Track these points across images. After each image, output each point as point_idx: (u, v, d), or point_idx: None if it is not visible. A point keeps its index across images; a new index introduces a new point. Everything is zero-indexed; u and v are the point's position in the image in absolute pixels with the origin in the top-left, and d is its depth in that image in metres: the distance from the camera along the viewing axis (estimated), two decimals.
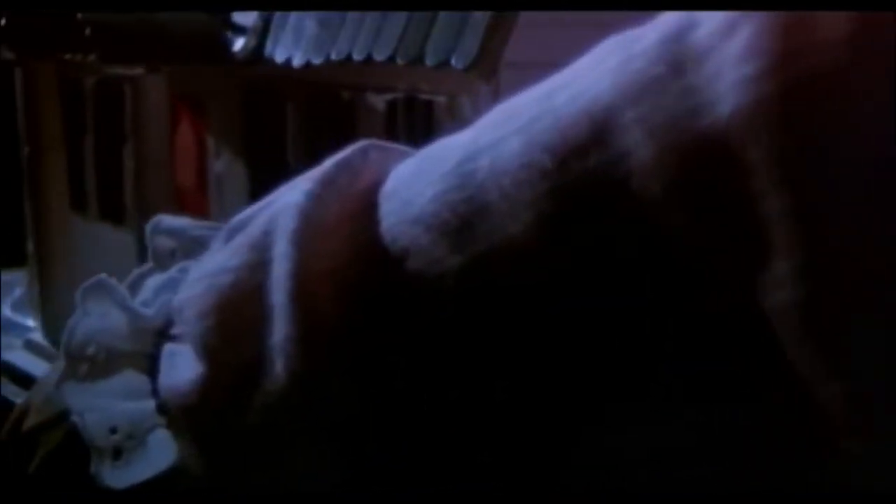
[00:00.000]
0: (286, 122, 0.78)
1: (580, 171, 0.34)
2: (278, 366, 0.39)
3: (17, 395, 0.92)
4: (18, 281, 1.34)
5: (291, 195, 0.41)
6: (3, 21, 0.84)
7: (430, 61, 0.63)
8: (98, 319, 0.48)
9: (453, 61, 0.61)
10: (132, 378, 0.45)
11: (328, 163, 0.43)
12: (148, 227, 0.51)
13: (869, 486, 0.31)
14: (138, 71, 0.74)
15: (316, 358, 0.38)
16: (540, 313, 0.36)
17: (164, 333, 0.45)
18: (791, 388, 0.29)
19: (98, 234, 1.03)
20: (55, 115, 0.90)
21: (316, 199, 0.41)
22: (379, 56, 0.66)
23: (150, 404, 0.45)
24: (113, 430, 0.45)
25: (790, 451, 0.31)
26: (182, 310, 0.43)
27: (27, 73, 0.87)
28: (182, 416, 0.42)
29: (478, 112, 0.64)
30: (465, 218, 0.36)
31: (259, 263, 0.41)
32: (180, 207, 0.94)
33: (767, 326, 0.29)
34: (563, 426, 0.35)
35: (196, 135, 0.88)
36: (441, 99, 0.65)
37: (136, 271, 0.51)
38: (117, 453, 0.45)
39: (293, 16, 0.75)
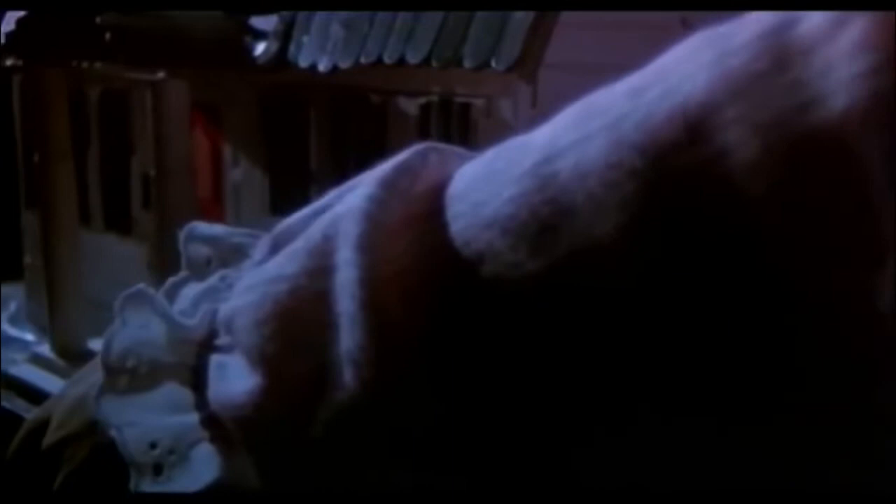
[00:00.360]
0: (309, 128, 0.76)
1: (674, 170, 0.32)
2: (347, 375, 0.37)
3: (26, 410, 0.90)
4: (13, 295, 1.32)
5: (351, 199, 0.40)
6: (12, 27, 0.82)
7: (468, 63, 0.62)
8: (137, 330, 0.47)
9: (494, 63, 0.60)
10: (175, 391, 0.43)
11: (387, 166, 0.42)
12: (182, 235, 0.49)
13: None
14: (159, 76, 0.72)
15: (388, 366, 0.37)
16: (624, 318, 0.34)
17: (207, 344, 0.43)
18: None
19: (103, 245, 1.01)
20: (64, 124, 0.88)
21: (379, 202, 0.39)
22: (413, 59, 0.65)
23: (194, 418, 0.43)
24: (153, 445, 0.43)
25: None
26: (233, 319, 0.41)
27: (35, 81, 0.85)
28: (237, 428, 0.41)
29: (517, 114, 0.63)
30: (546, 220, 0.35)
31: (320, 270, 0.39)
32: (197, 216, 0.92)
33: (854, 335, 0.28)
34: (645, 432, 0.34)
35: (211, 143, 0.86)
36: (479, 101, 0.64)
37: (170, 280, 0.50)
38: (158, 469, 0.43)
39: (317, 19, 0.73)
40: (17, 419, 0.86)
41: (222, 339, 0.42)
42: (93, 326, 0.97)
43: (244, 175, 0.82)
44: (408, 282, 0.36)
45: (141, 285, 0.47)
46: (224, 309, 0.42)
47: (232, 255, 0.46)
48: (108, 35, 0.70)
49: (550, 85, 0.62)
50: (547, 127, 0.37)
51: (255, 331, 0.40)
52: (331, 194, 0.43)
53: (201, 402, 0.43)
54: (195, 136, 0.88)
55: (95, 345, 0.94)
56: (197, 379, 0.43)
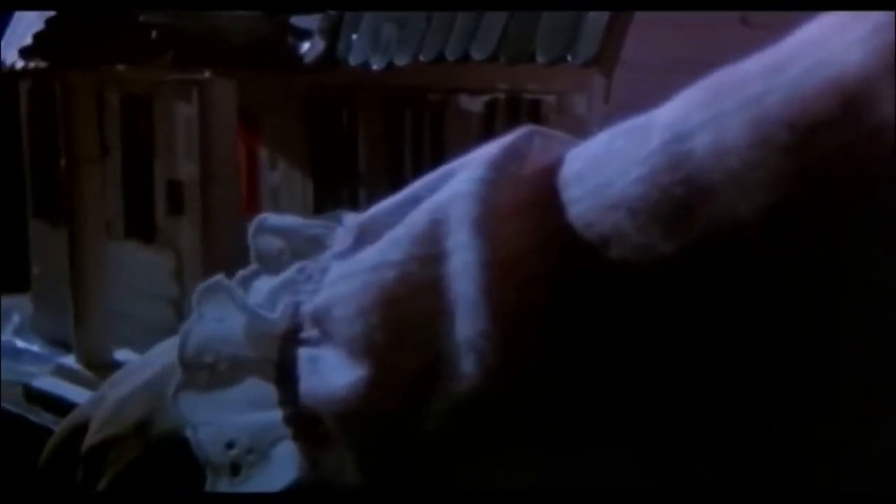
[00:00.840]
0: (358, 128, 0.75)
1: (829, 146, 0.31)
2: (467, 364, 0.36)
3: (55, 423, 0.86)
4: (15, 307, 1.28)
5: (457, 184, 0.38)
6: (42, 27, 0.79)
7: (541, 58, 0.60)
8: (213, 324, 0.44)
9: (570, 58, 0.59)
10: (257, 387, 0.41)
11: (493, 148, 0.40)
12: (251, 227, 0.47)
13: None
14: (205, 75, 0.70)
15: (512, 353, 0.35)
16: (763, 302, 0.33)
17: (291, 338, 0.41)
18: None
19: (122, 253, 0.98)
20: (93, 127, 0.85)
21: (490, 185, 0.37)
22: (478, 55, 0.63)
23: (276, 415, 0.41)
24: (230, 445, 0.41)
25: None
26: (329, 310, 0.39)
27: (64, 84, 0.83)
28: (338, 423, 0.39)
29: (591, 110, 0.61)
30: (680, 200, 0.33)
31: (430, 255, 0.37)
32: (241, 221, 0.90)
33: None
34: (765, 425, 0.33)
35: (247, 147, 0.84)
36: (550, 97, 0.62)
37: (240, 273, 0.48)
38: (235, 469, 0.41)
39: (367, 17, 0.72)
40: (47, 433, 0.83)
41: (309, 332, 0.40)
42: (116, 337, 0.94)
43: (283, 178, 0.80)
44: (523, 266, 0.35)
45: (218, 277, 0.45)
46: (313, 300, 0.40)
47: (307, 247, 0.44)
48: (141, 36, 0.68)
49: (625, 80, 0.61)
50: (668, 108, 0.36)
51: (359, 321, 0.38)
52: (418, 183, 0.41)
53: (286, 399, 0.41)
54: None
55: (121, 355, 0.91)
56: (281, 374, 0.41)
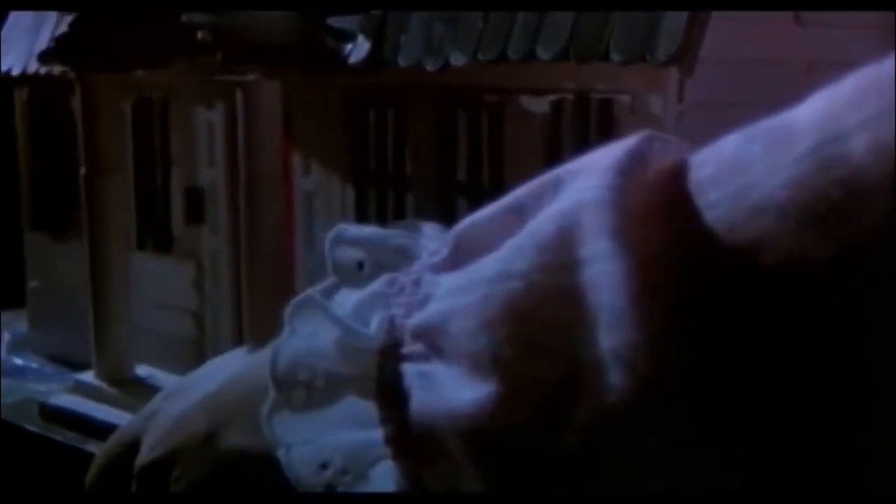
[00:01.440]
0: (407, 130, 0.73)
1: None
2: (615, 375, 0.34)
3: (81, 442, 0.83)
4: (8, 323, 1.23)
5: (581, 191, 0.37)
6: (65, 30, 0.76)
7: (616, 57, 0.59)
8: (305, 340, 0.42)
9: (649, 56, 0.58)
10: (355, 405, 0.39)
11: (615, 153, 0.39)
12: (329, 239, 0.45)
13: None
14: (250, 77, 0.67)
15: (663, 361, 0.34)
16: None
17: (391, 353, 0.39)
18: None
19: (136, 264, 0.94)
20: (116, 135, 0.82)
21: (621, 191, 0.36)
22: (545, 54, 0.62)
23: (377, 434, 0.39)
24: (324, 466, 0.39)
25: None
26: (441, 324, 0.37)
27: (87, 90, 0.79)
28: (464, 440, 0.37)
29: (667, 109, 0.60)
30: (836, 203, 0.32)
31: (561, 265, 0.36)
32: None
33: None
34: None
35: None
36: (623, 97, 0.61)
37: (319, 287, 0.46)
38: (330, 490, 0.39)
39: (416, 17, 0.70)
40: (73, 452, 0.80)
41: (413, 347, 0.38)
42: (135, 352, 0.90)
43: (318, 183, 0.78)
44: (665, 272, 0.33)
45: (310, 291, 0.43)
46: (414, 314, 0.38)
47: (393, 258, 0.42)
48: (185, 36, 0.66)
49: (701, 79, 0.60)
50: (809, 110, 0.34)
51: (483, 334, 0.36)
52: (519, 192, 0.39)
53: (388, 416, 0.39)
54: None
55: (142, 371, 0.88)
56: (383, 391, 0.39)
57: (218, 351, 0.89)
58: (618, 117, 0.62)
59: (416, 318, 0.40)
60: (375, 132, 0.74)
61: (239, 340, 0.89)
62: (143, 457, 0.49)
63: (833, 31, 0.75)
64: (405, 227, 0.48)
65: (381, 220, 0.75)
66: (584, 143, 0.63)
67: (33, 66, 1.00)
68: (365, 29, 0.72)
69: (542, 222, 0.37)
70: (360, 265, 0.46)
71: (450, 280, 0.39)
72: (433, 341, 0.38)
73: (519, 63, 0.63)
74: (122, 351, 0.84)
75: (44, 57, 0.77)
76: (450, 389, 0.37)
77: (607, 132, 0.62)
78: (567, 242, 0.35)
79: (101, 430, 0.78)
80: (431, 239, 0.45)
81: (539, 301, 0.35)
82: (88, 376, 0.85)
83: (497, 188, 0.68)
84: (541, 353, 0.35)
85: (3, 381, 0.99)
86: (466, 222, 0.43)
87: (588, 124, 0.63)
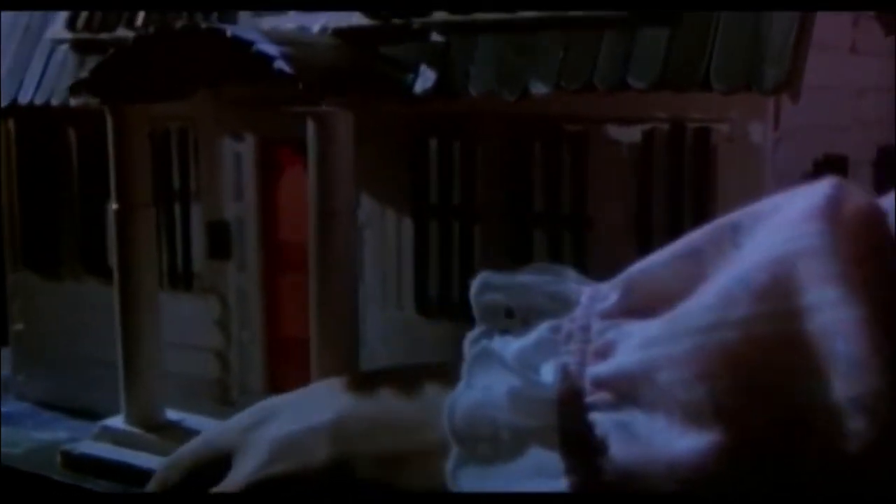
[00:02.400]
0: (475, 161, 0.71)
1: None
2: (855, 422, 0.34)
3: (122, 489, 0.77)
4: None
5: (792, 240, 0.37)
6: (104, 59, 0.73)
7: (718, 86, 0.59)
8: (480, 392, 0.42)
9: (754, 84, 0.58)
10: (541, 456, 0.39)
11: (812, 200, 0.39)
12: (475, 286, 0.45)
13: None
14: (324, 107, 0.65)
15: None
16: None
17: (571, 403, 0.39)
18: None
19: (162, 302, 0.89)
20: (147, 169, 0.78)
21: (833, 237, 0.37)
22: (638, 83, 0.61)
23: (562, 484, 0.39)
24: None
25: None
26: (649, 373, 0.37)
27: (118, 122, 0.75)
28: (685, 487, 0.37)
29: (768, 137, 0.60)
30: None
31: (783, 313, 0.36)
32: (291, 262, 0.83)
33: None
34: None
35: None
36: (722, 126, 0.61)
37: (470, 335, 0.45)
38: None
39: (484, 45, 0.69)
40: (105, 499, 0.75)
41: (598, 397, 0.38)
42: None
43: (369, 215, 0.76)
44: (892, 317, 0.34)
45: (485, 344, 0.42)
46: (607, 364, 0.38)
47: (547, 304, 0.41)
48: (260, 67, 0.63)
49: (795, 107, 0.60)
50: None
51: (701, 384, 0.36)
52: (694, 237, 0.39)
53: (573, 466, 0.38)
54: (287, 178, 0.81)
55: (174, 415, 0.83)
56: (568, 441, 0.38)
57: (247, 392, 0.85)
58: (715, 146, 0.61)
59: (601, 367, 0.39)
60: (438, 163, 0.72)
61: (271, 380, 0.85)
62: (254, 473, 0.48)
63: (878, 60, 0.77)
64: (541, 270, 0.47)
65: (444, 253, 0.73)
66: (679, 173, 0.63)
67: (25, 97, 0.96)
68: (429, 59, 0.70)
69: (753, 271, 0.37)
70: (508, 311, 0.45)
71: (642, 329, 0.38)
72: (627, 390, 0.37)
73: (606, 92, 0.63)
74: (154, 394, 0.80)
75: (76, 89, 0.73)
76: (659, 438, 0.36)
77: (705, 162, 0.62)
78: (785, 290, 0.35)
79: (138, 477, 0.73)
80: (578, 283, 0.44)
81: (761, 349, 0.34)
82: (116, 422, 0.80)
83: (580, 219, 0.67)
84: (765, 400, 0.34)
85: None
86: (637, 269, 0.42)
87: (683, 154, 0.62)
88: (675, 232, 0.65)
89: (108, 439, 0.79)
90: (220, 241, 0.85)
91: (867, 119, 0.77)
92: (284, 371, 0.85)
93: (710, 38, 0.60)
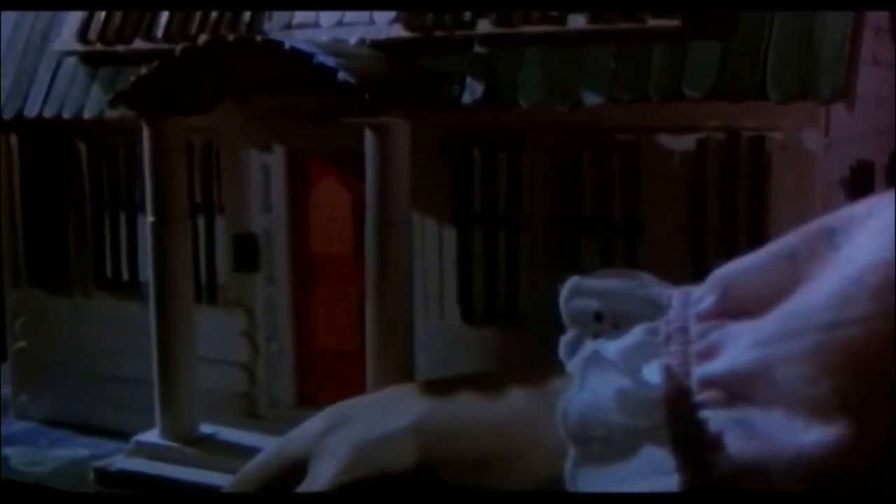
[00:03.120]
0: (521, 170, 0.73)
1: None
2: None
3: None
4: None
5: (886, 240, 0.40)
6: (148, 72, 0.73)
7: (774, 95, 0.61)
8: (590, 394, 0.43)
9: (811, 93, 0.61)
10: (653, 454, 0.40)
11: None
12: (565, 290, 0.46)
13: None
14: (382, 119, 0.66)
15: None
16: None
17: (680, 402, 0.41)
18: None
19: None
20: (183, 181, 0.78)
21: None
22: (692, 93, 0.64)
23: (673, 480, 0.41)
24: None
25: None
26: (766, 371, 0.39)
27: (155, 135, 0.75)
28: (803, 482, 0.39)
29: (821, 144, 0.63)
30: None
31: None
32: (325, 273, 0.84)
33: None
34: None
35: (350, 192, 0.80)
36: (776, 134, 0.63)
37: (564, 339, 0.47)
38: None
39: (530, 57, 0.71)
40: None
41: (707, 395, 0.40)
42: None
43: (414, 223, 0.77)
44: None
45: (594, 347, 0.44)
46: (715, 363, 0.40)
47: (638, 308, 0.43)
48: (347, 77, 0.64)
49: (842, 118, 0.63)
50: None
51: (825, 380, 0.38)
52: (789, 239, 0.42)
53: (686, 464, 0.40)
54: (331, 186, 0.81)
55: (207, 428, 0.83)
56: (679, 439, 0.40)
57: (276, 405, 0.85)
58: (769, 153, 0.64)
59: (708, 368, 0.40)
60: (483, 172, 0.74)
61: (301, 392, 0.86)
62: (334, 478, 0.49)
63: (889, 70, 0.81)
64: (623, 275, 0.49)
65: (489, 261, 0.74)
66: (733, 180, 0.65)
67: (32, 110, 0.94)
68: (473, 70, 0.72)
69: (865, 272, 0.39)
70: (597, 315, 0.47)
71: (753, 330, 0.40)
72: (740, 389, 0.39)
73: (659, 102, 0.65)
74: (189, 408, 0.80)
75: (116, 101, 0.73)
76: (781, 434, 0.38)
77: (759, 169, 0.64)
78: None
79: (178, 490, 0.73)
80: (661, 287, 0.46)
81: (883, 345, 0.36)
82: (151, 437, 0.80)
83: (632, 226, 0.69)
84: (888, 395, 0.36)
85: (10, 449, 0.91)
86: (731, 271, 0.44)
87: (737, 161, 0.65)
88: (728, 237, 0.67)
89: (144, 454, 0.79)
90: (248, 253, 0.85)
91: (882, 126, 0.80)
92: (316, 383, 0.85)
93: (764, 48, 0.62)
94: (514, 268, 0.71)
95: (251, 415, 0.85)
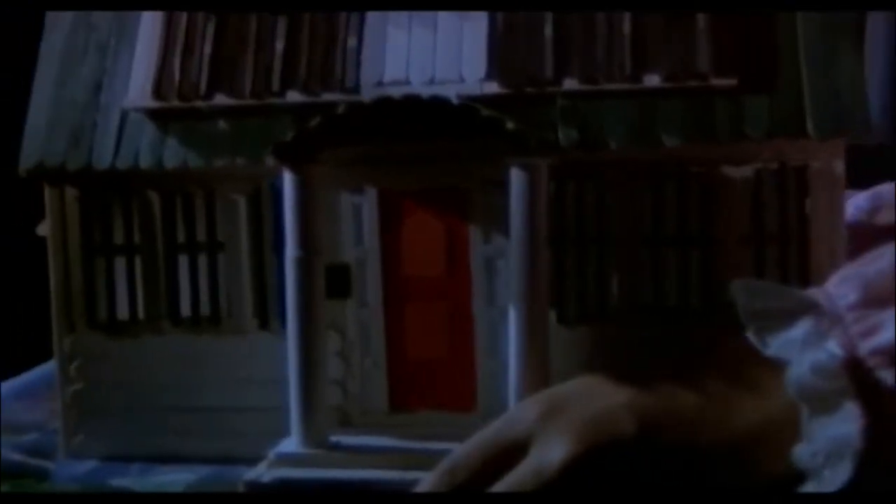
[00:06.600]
0: (607, 197, 0.96)
1: None
2: None
3: None
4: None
5: None
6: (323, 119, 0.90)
7: (815, 135, 0.89)
8: (797, 367, 0.67)
9: (843, 133, 0.88)
10: (847, 408, 0.65)
11: None
12: (740, 294, 0.71)
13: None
14: (532, 159, 0.87)
15: None
16: None
17: (855, 368, 0.65)
18: None
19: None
20: (323, 221, 0.96)
21: None
22: (755, 133, 0.90)
23: (854, 427, 0.65)
24: (815, 454, 0.65)
25: None
26: None
27: (302, 181, 0.93)
28: None
29: (842, 170, 0.90)
30: None
31: None
32: (422, 292, 1.01)
33: None
34: None
35: (444, 225, 1.00)
36: (815, 163, 0.91)
37: (749, 333, 0.73)
38: (815, 473, 0.65)
39: (610, 108, 0.94)
40: None
41: (877, 360, 0.65)
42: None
43: (497, 249, 0.98)
44: None
45: (802, 332, 0.73)
46: (875, 339, 0.65)
47: (798, 305, 0.69)
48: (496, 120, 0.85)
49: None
50: None
51: None
52: None
53: (866, 411, 0.68)
54: (424, 218, 1.00)
55: (335, 438, 0.99)
56: (859, 394, 0.67)
57: (368, 412, 1.04)
58: (808, 179, 0.91)
59: (874, 342, 0.65)
60: (575, 202, 0.96)
61: (392, 398, 1.04)
62: (574, 446, 0.69)
63: None
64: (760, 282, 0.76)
65: (581, 273, 0.97)
66: (784, 201, 0.92)
67: (103, 163, 1.06)
68: (563, 119, 0.94)
69: None
70: (764, 311, 0.72)
71: None
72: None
73: (725, 142, 0.91)
74: (323, 420, 0.96)
75: (280, 151, 0.90)
76: None
77: (802, 191, 0.91)
78: None
79: (347, 489, 0.89)
80: (798, 290, 0.71)
81: None
82: (289, 446, 0.95)
83: (706, 241, 0.94)
84: None
85: (114, 480, 1.02)
86: (873, 273, 0.70)
87: (786, 185, 0.91)
88: (781, 244, 0.93)
89: (287, 464, 0.94)
90: (339, 282, 1.02)
91: None
92: (406, 389, 1.04)
93: (799, 98, 0.89)
94: (604, 277, 0.94)
95: (344, 423, 1.03)
